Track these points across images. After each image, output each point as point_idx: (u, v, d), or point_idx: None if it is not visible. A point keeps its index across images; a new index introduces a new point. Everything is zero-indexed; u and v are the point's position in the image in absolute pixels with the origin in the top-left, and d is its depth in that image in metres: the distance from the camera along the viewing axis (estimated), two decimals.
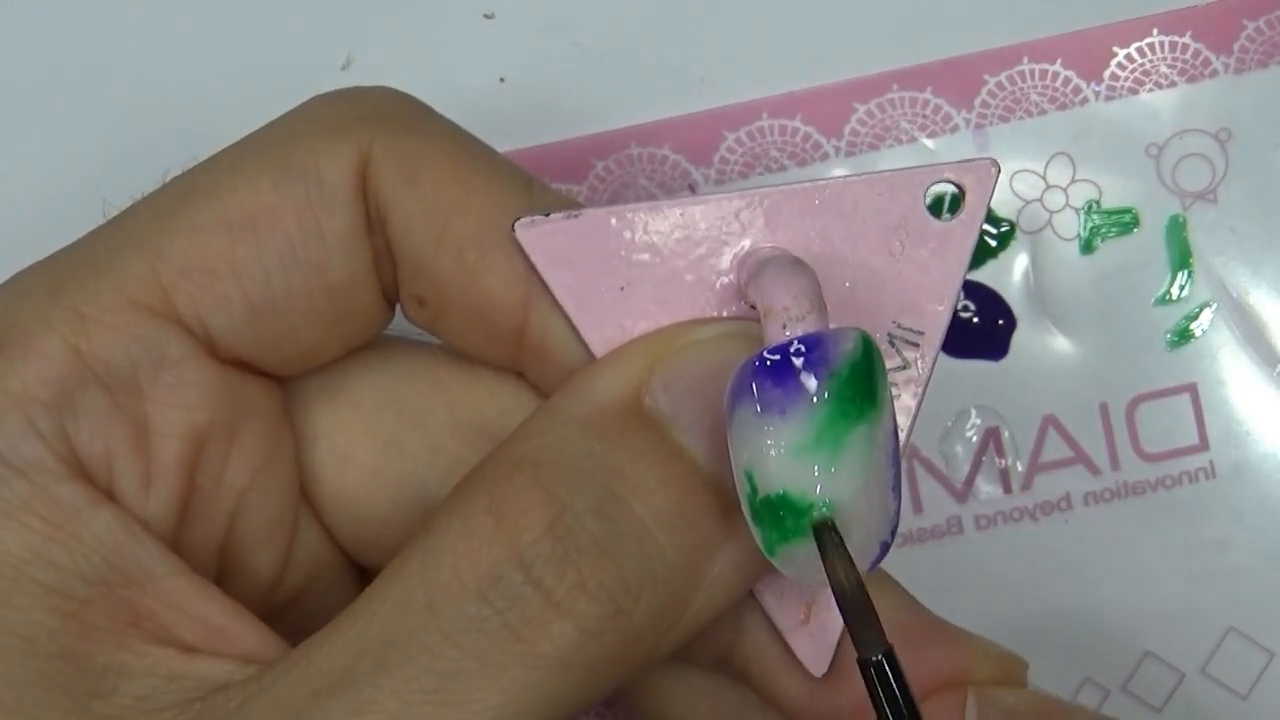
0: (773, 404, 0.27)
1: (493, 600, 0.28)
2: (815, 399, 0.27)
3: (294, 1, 0.44)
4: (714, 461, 0.30)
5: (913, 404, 0.32)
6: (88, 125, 0.44)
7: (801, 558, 0.28)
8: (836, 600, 0.28)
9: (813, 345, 0.28)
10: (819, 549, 0.28)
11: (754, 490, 0.28)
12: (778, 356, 0.28)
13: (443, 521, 0.29)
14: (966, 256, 0.32)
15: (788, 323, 0.28)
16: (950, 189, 0.32)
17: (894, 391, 0.31)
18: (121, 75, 0.44)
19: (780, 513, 0.28)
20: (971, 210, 0.32)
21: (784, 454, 0.27)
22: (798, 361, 0.27)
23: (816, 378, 0.27)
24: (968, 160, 0.32)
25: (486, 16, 0.45)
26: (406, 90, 0.33)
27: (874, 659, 0.27)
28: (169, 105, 0.43)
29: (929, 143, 0.45)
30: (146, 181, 0.32)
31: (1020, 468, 0.44)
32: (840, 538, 0.28)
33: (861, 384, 0.28)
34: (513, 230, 0.31)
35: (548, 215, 0.31)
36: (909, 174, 0.31)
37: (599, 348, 0.31)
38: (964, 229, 0.32)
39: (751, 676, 0.34)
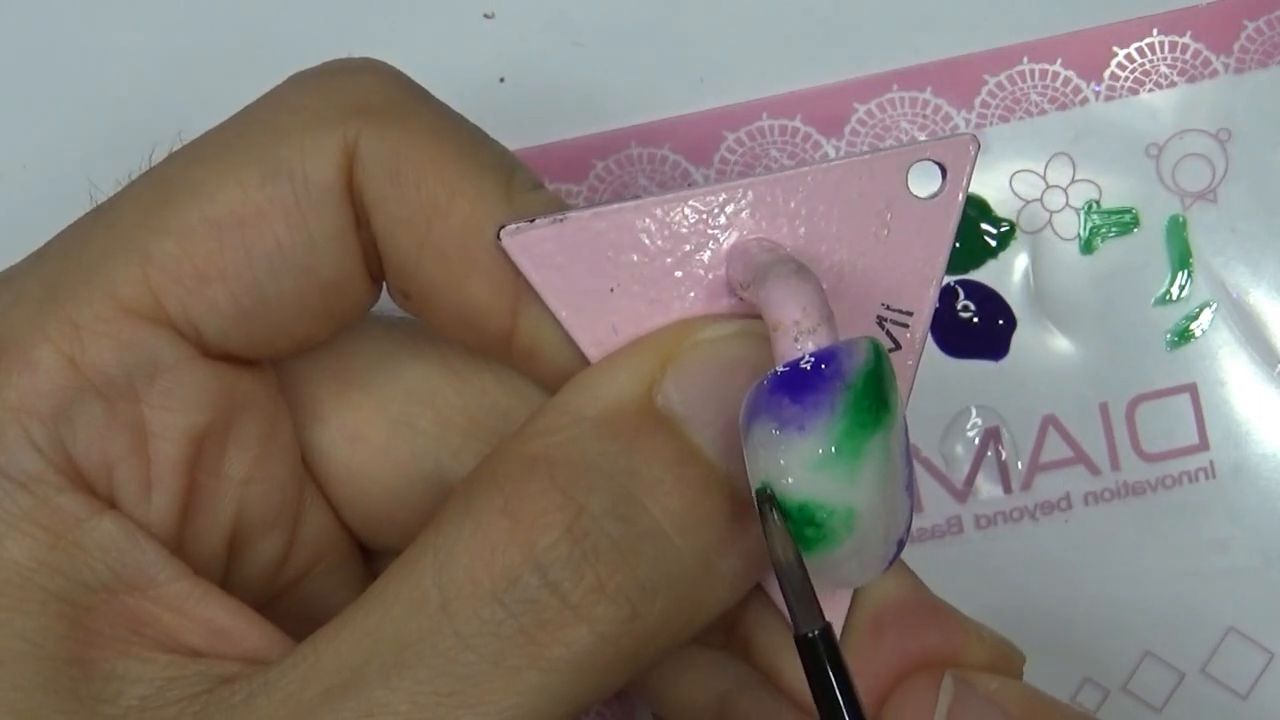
0: (791, 420, 0.27)
1: (508, 603, 0.28)
2: (833, 413, 0.27)
3: (293, 1, 0.44)
4: (726, 461, 0.30)
5: (905, 385, 0.32)
6: (86, 122, 0.44)
7: (822, 567, 0.28)
8: (776, 575, 0.28)
9: (828, 359, 0.28)
10: (761, 523, 0.28)
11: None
12: (793, 372, 0.28)
13: (456, 518, 0.29)
14: (951, 233, 0.32)
15: (799, 336, 0.28)
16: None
17: None
18: (117, 73, 0.44)
19: (802, 525, 0.28)
20: (953, 186, 0.32)
21: (804, 468, 0.27)
22: (814, 376, 0.27)
23: (833, 392, 0.27)
24: (947, 137, 0.32)
25: (486, 16, 0.45)
26: None
27: (809, 634, 0.28)
28: (165, 105, 0.43)
29: None
30: (137, 173, 0.32)
31: (1020, 468, 0.44)
32: (780, 514, 0.28)
33: (876, 393, 0.28)
34: (498, 238, 0.31)
35: (533, 221, 0.30)
36: (890, 155, 0.31)
37: (592, 350, 0.31)
38: (947, 206, 0.32)
39: (754, 653, 0.34)
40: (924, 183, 0.32)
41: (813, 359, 0.28)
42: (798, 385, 0.27)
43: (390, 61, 0.33)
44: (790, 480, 0.27)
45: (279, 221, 0.30)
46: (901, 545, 0.29)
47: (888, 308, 0.32)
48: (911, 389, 0.32)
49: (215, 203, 0.30)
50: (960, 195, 0.32)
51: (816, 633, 0.28)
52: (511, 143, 0.33)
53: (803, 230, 0.31)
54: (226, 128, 0.31)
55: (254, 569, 0.33)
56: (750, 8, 0.45)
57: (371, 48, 0.34)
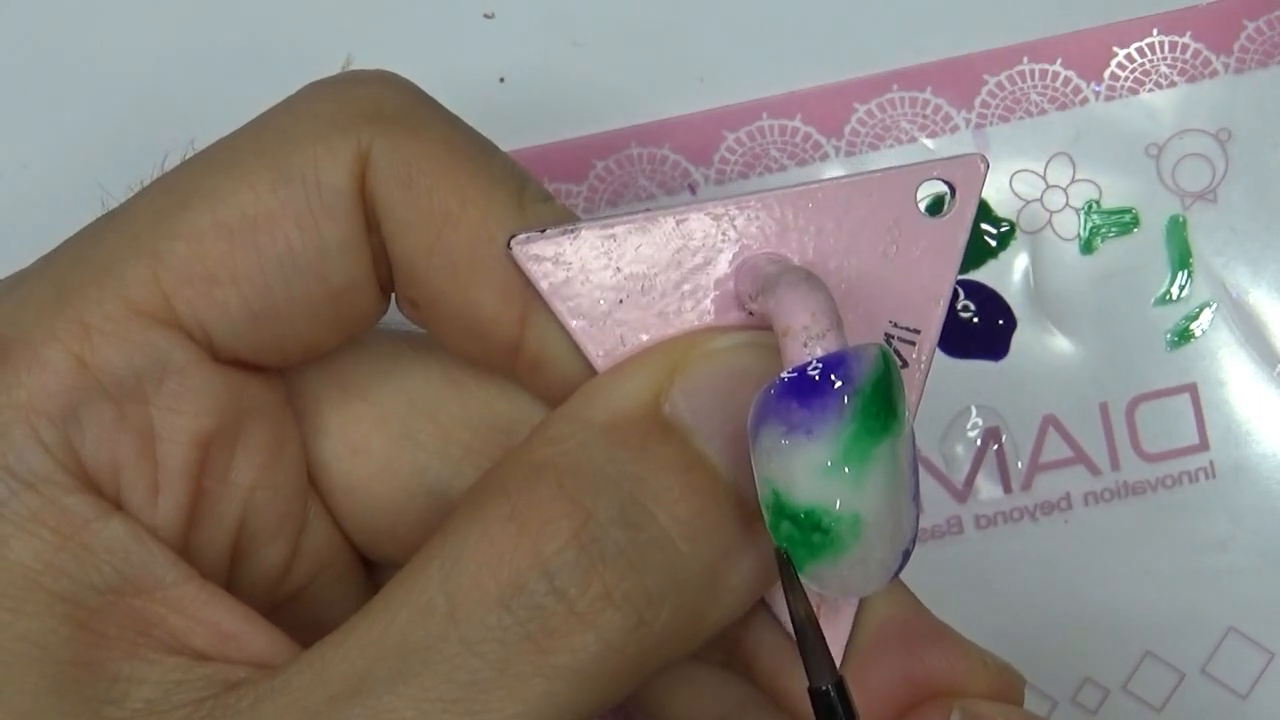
0: (799, 425, 0.27)
1: (515, 610, 0.28)
2: (841, 418, 0.27)
3: (294, 1, 0.44)
4: (734, 470, 0.30)
5: (912, 401, 0.32)
6: (88, 122, 0.44)
7: (828, 573, 0.28)
8: (794, 628, 0.28)
9: (836, 364, 0.27)
10: (780, 576, 0.28)
11: (781, 508, 0.28)
12: (801, 376, 0.28)
13: (462, 526, 0.29)
14: (960, 252, 0.32)
15: (808, 341, 0.28)
16: (943, 187, 0.32)
17: None
18: (121, 74, 0.44)
19: (808, 530, 0.28)
20: (962, 206, 0.32)
21: (811, 473, 0.27)
22: (822, 381, 0.27)
23: (842, 397, 0.27)
24: (956, 156, 0.32)
25: (486, 16, 0.45)
26: None
27: (822, 688, 0.28)
28: (169, 106, 0.43)
29: (929, 143, 0.45)
30: (145, 177, 0.32)
31: (1020, 467, 0.44)
32: (794, 565, 0.28)
33: (884, 399, 0.28)
34: (509, 247, 0.31)
35: (543, 231, 0.31)
36: (899, 173, 0.31)
37: (600, 360, 0.31)
38: (955, 225, 0.32)
39: (757, 673, 0.34)
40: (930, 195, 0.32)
41: (821, 364, 0.27)
42: (806, 390, 0.27)
43: (391, 63, 0.33)
44: (797, 485, 0.27)
45: (291, 225, 0.30)
46: (907, 556, 0.29)
47: (895, 325, 0.32)
48: (919, 404, 0.32)
49: (227, 206, 0.30)
50: (969, 214, 0.32)
51: (829, 687, 0.28)
52: (511, 143, 0.33)
53: (811, 246, 0.31)
54: (240, 135, 0.31)
55: (257, 577, 0.33)
56: (750, 8, 0.45)
57: (372, 48, 0.35)
